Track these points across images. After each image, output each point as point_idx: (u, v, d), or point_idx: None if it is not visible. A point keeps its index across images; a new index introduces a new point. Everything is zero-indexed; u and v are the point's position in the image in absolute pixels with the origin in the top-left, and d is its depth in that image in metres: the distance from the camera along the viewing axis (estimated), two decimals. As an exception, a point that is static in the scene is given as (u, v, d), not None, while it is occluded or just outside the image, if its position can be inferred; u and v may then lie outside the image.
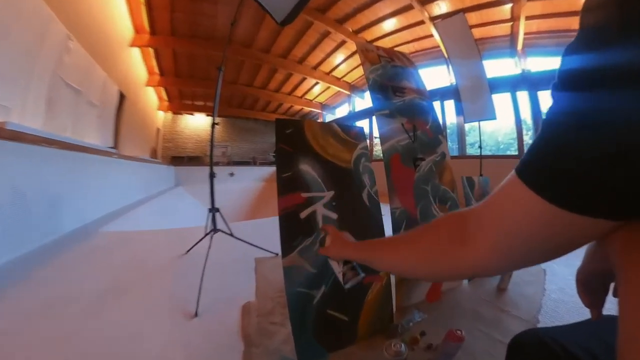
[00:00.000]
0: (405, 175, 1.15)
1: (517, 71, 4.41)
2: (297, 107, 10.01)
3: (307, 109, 9.97)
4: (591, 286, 0.35)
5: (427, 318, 1.06)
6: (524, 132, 4.22)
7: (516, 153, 4.36)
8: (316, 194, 0.91)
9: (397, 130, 1.19)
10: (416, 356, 0.89)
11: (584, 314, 0.36)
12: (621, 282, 0.25)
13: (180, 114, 9.90)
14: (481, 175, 2.55)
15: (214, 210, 1.58)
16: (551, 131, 0.25)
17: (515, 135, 4.32)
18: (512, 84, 4.27)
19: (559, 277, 1.42)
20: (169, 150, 9.59)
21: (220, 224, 1.63)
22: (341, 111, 9.94)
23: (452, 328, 0.82)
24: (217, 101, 1.67)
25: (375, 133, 6.96)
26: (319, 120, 10.13)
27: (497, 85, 4.08)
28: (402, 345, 0.74)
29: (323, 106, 10.08)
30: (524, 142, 4.13)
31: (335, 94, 9.18)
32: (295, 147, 0.92)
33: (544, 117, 0.27)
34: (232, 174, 6.55)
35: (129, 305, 1.14)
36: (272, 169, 7.13)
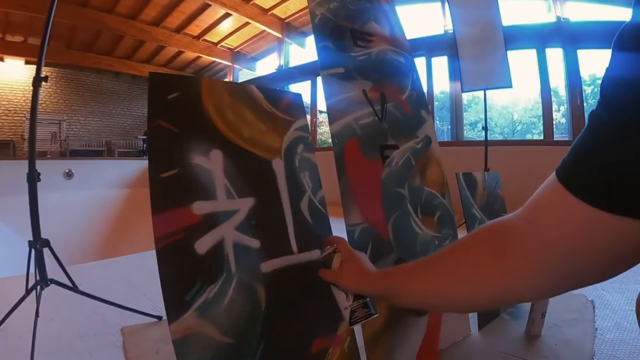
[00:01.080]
0: (369, 172, 1.20)
1: (549, 19, 4.97)
2: (189, 55, 9.71)
3: (207, 58, 9.75)
4: None
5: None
6: (554, 107, 4.77)
7: (541, 137, 4.87)
8: (222, 207, 0.89)
9: (356, 101, 1.24)
10: None
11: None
12: None
13: (-22, 58, 8.66)
14: (487, 169, 2.86)
15: (39, 244, 1.49)
16: (606, 126, 0.33)
17: (540, 111, 4.86)
18: (540, 37, 4.80)
19: (613, 309, 1.67)
20: (-49, 131, 8.39)
21: (53, 270, 1.54)
22: (266, 65, 9.99)
23: None
24: (47, 37, 1.55)
25: (321, 105, 7.17)
26: (227, 80, 10.01)
27: (518, 37, 4.49)
28: None
29: (235, 55, 9.97)
30: (554, 122, 4.66)
31: (258, 37, 9.17)
32: (185, 125, 0.89)
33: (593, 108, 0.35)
34: (69, 174, 5.99)
35: None
36: (143, 164, 6.71)
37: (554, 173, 0.38)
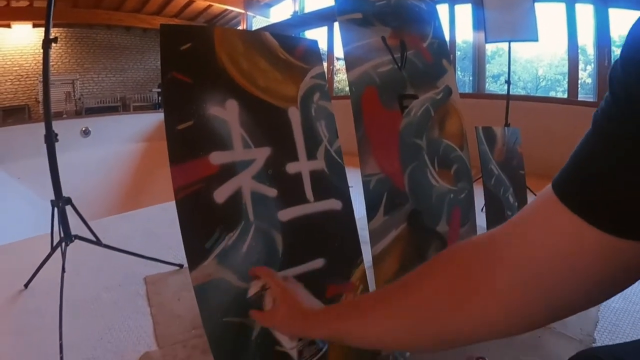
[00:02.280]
0: (387, 122, 1.19)
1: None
2: (200, 4, 9.42)
3: (219, 6, 9.46)
4: None
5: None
6: (581, 66, 4.56)
7: (565, 96, 4.72)
8: (239, 156, 0.90)
9: (375, 48, 1.21)
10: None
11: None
12: None
13: (-15, 27, 8.60)
14: (507, 125, 2.79)
15: (61, 202, 1.53)
16: (608, 133, 0.29)
17: (565, 68, 4.67)
18: (571, -10, 4.52)
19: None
20: (-34, 102, 8.50)
21: (76, 226, 1.59)
22: (280, 12, 9.63)
23: (472, 355, 0.93)
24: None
25: (339, 52, 6.97)
26: (240, 28, 9.76)
27: (547, -12, 4.23)
28: None
29: (248, 2, 9.65)
30: (579, 81, 4.46)
31: (271, -19, 8.80)
32: (199, 76, 0.88)
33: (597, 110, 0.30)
34: (86, 132, 6.08)
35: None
36: (159, 117, 6.72)
37: (549, 187, 0.34)
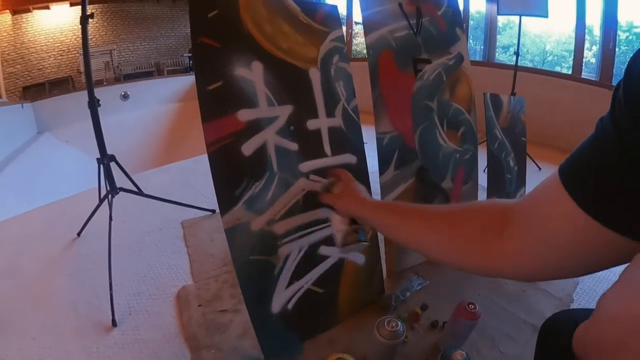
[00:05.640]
0: (401, 83, 1.17)
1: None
2: None
3: None
4: None
5: (429, 286, 1.20)
6: (586, 45, 4.30)
7: (569, 72, 4.50)
8: (264, 114, 0.90)
9: (392, 14, 1.16)
10: (417, 337, 1.03)
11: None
12: None
13: (28, 10, 8.48)
14: (514, 94, 2.68)
15: (106, 159, 1.55)
16: (606, 135, 0.31)
17: (572, 46, 4.41)
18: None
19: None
20: (17, 78, 8.56)
21: (120, 179, 1.62)
22: None
23: (464, 301, 0.92)
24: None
25: (357, 16, 6.65)
26: None
27: (559, -34, 3.95)
28: (399, 323, 0.83)
29: None
30: (583, 60, 4.22)
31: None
32: (226, 40, 0.87)
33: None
34: (125, 96, 6.10)
35: (12, 335, 1.12)
36: (191, 80, 6.69)
37: (556, 170, 0.37)
